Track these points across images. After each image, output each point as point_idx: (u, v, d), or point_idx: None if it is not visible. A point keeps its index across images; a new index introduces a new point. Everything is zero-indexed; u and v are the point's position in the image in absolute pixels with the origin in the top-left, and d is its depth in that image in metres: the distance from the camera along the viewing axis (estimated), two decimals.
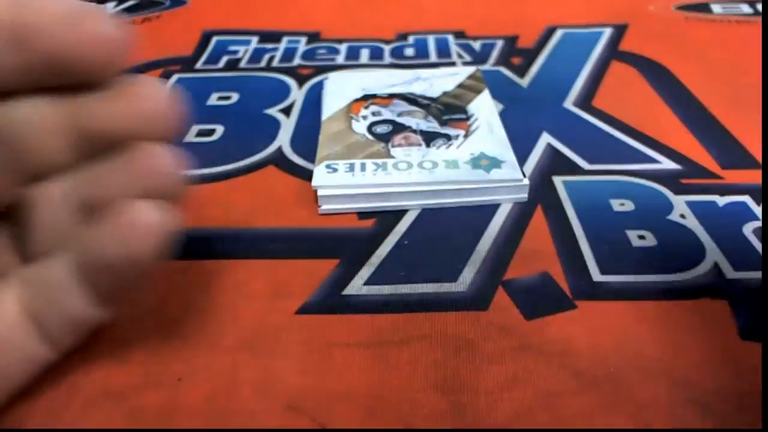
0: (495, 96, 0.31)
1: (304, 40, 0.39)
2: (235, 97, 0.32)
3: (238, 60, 0.37)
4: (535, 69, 0.35)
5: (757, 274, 0.20)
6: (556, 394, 0.17)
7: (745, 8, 0.43)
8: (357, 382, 0.17)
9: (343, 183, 0.23)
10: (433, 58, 0.37)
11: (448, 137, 0.26)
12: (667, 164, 0.26)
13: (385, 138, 0.26)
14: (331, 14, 0.44)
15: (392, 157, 0.25)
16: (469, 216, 0.23)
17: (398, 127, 0.27)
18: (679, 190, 0.24)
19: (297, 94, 0.32)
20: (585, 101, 0.31)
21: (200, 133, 0.29)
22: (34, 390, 0.17)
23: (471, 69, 0.32)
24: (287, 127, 0.29)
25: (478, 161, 0.24)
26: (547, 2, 0.45)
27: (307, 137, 0.28)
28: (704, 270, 0.21)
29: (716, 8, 0.43)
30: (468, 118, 0.28)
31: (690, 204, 0.24)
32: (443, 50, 0.38)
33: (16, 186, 0.15)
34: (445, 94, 0.30)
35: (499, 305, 0.20)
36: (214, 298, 0.20)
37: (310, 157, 0.27)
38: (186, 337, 0.19)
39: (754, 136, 0.28)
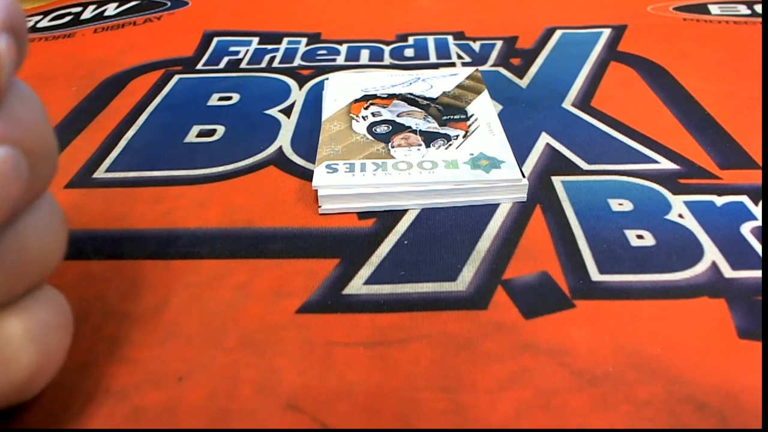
0: (494, 96, 0.31)
1: (304, 41, 0.40)
2: (235, 97, 0.33)
3: (239, 61, 0.37)
4: (534, 70, 0.35)
5: (755, 273, 0.20)
6: (555, 392, 0.17)
7: (743, 9, 0.43)
8: (357, 382, 0.17)
9: (343, 183, 0.23)
10: (433, 58, 0.37)
11: (447, 137, 0.26)
12: (666, 164, 0.26)
13: (384, 138, 0.26)
14: (332, 15, 0.44)
15: (392, 157, 0.25)
16: (469, 216, 0.23)
17: (398, 128, 0.27)
18: (678, 190, 0.25)
19: (297, 95, 0.33)
20: (584, 102, 0.31)
21: (201, 134, 0.29)
22: None
23: (470, 69, 0.32)
24: (288, 127, 0.30)
25: (478, 161, 0.24)
26: (546, 3, 0.45)
27: (308, 138, 0.28)
28: (702, 269, 0.21)
29: (714, 9, 0.43)
30: (467, 119, 0.28)
31: (688, 204, 0.24)
32: (443, 51, 0.38)
33: None
34: (444, 94, 0.30)
35: (498, 304, 0.20)
36: (214, 297, 0.20)
37: (311, 157, 0.27)
38: (186, 337, 0.19)
39: (752, 136, 0.28)
